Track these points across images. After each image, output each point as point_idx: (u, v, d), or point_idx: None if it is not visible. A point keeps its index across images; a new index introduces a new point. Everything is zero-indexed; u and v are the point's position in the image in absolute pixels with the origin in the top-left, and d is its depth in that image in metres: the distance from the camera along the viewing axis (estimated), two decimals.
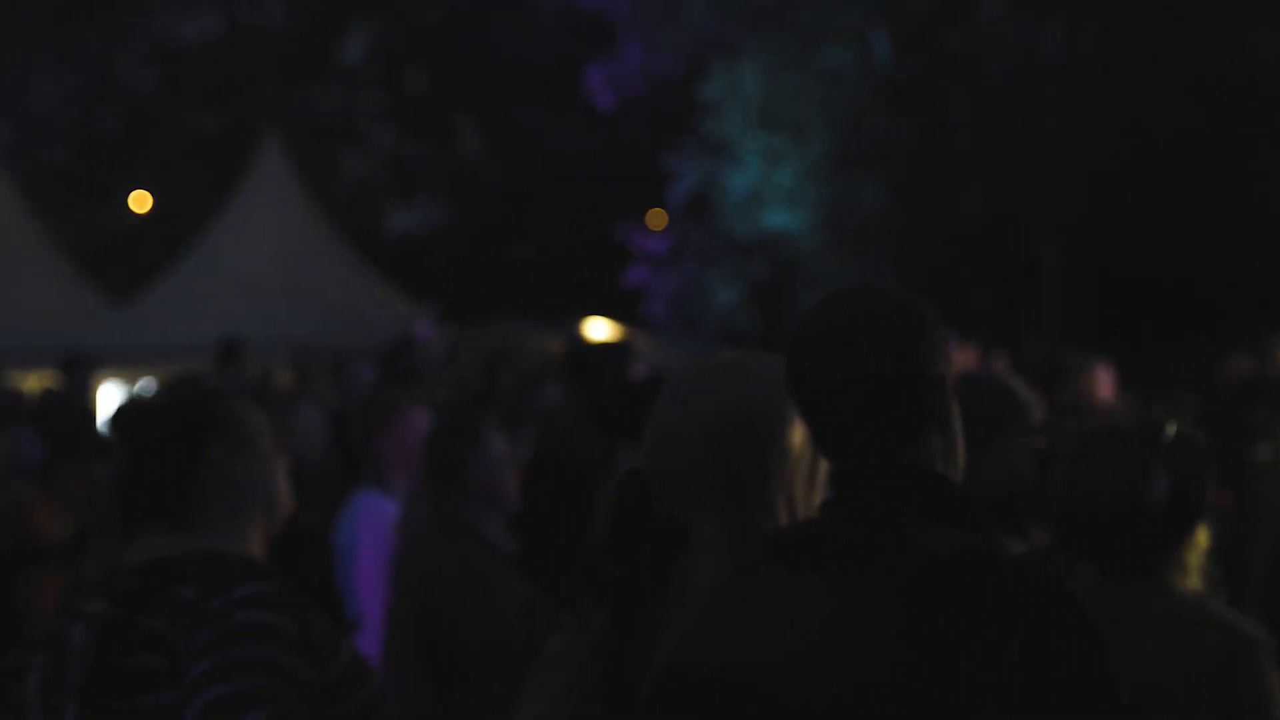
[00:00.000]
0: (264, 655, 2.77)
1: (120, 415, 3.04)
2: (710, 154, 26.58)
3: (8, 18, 34.49)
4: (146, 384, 18.73)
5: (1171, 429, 3.52)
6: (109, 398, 16.83)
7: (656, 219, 29.70)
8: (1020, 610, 2.01)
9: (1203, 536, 3.49)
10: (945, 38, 25.45)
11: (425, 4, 35.72)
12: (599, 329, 21.14)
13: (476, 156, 37.26)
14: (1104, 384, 9.42)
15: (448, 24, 35.51)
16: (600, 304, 25.94)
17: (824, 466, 2.43)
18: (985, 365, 11.28)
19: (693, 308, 27.36)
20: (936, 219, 25.63)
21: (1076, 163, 24.58)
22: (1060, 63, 25.15)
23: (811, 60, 25.37)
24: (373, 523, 5.50)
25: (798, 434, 2.42)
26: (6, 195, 22.77)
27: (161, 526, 3.01)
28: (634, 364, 6.69)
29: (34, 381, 14.37)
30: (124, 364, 17.30)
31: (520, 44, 34.25)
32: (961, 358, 10.62)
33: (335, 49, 37.37)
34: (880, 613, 2.04)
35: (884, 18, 25.26)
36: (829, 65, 25.32)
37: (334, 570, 5.58)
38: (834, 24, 25.24)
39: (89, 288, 23.33)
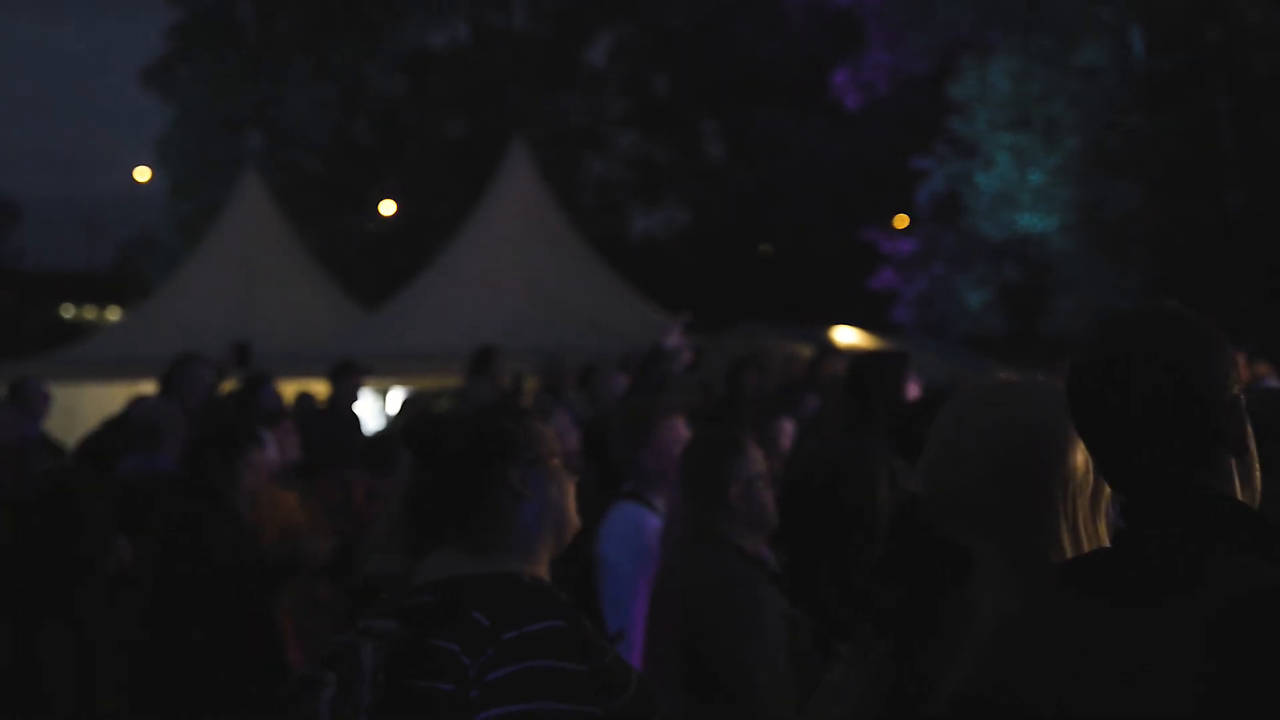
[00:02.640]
0: (549, 710, 2.76)
1: (416, 430, 2.98)
2: (959, 154, 26.22)
3: (264, 30, 35.57)
4: (398, 392, 19.06)
5: None
6: (360, 405, 17.11)
7: (901, 222, 29.42)
8: None
9: None
10: (1205, 31, 24.71)
11: (668, 7, 35.91)
12: (846, 335, 20.91)
13: (720, 160, 37.34)
14: None
15: (691, 27, 35.65)
16: (845, 308, 25.74)
17: (1107, 491, 2.34)
18: (1250, 374, 10.76)
19: (941, 311, 27.01)
20: (1197, 219, 24.88)
21: None
22: None
23: (1064, 57, 24.85)
24: (634, 536, 5.39)
25: (1080, 457, 2.31)
26: (265, 204, 23.41)
27: (454, 545, 2.98)
28: (910, 377, 6.46)
29: (291, 389, 14.67)
30: (373, 372, 17.57)
31: (764, 46, 34.21)
32: None
33: (580, 53, 37.82)
34: (1186, 647, 1.93)
35: (1140, 12, 24.63)
36: (1082, 62, 24.77)
37: (594, 583, 5.50)
38: (1088, 19, 24.70)
39: (342, 295, 23.86)
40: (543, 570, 3.04)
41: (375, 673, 2.81)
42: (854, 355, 7.85)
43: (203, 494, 6.09)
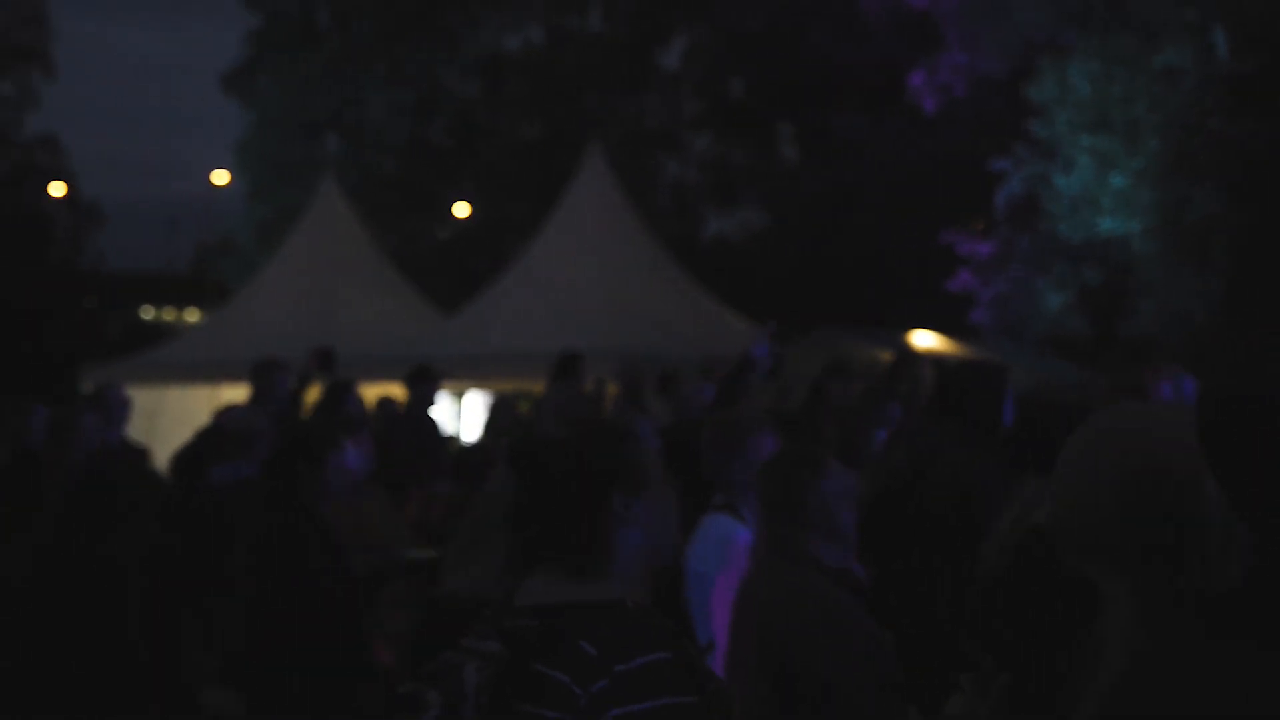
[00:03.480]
0: None
1: (521, 450, 2.96)
2: (1038, 156, 25.99)
3: (341, 36, 35.77)
4: (475, 395, 19.09)
5: None
6: (437, 410, 17.17)
7: (980, 224, 29.21)
8: None
9: None
10: None
11: (743, 10, 35.81)
12: (924, 338, 20.77)
13: (795, 162, 37.20)
14: None
15: (765, 29, 35.53)
16: (923, 311, 25.57)
17: (1240, 528, 2.22)
18: None
19: (1019, 314, 26.80)
20: None
21: None
22: None
23: (1146, 58, 24.58)
24: (725, 548, 5.37)
25: (1213, 493, 2.21)
26: (344, 208, 23.51)
27: (556, 568, 2.96)
28: (1009, 390, 6.30)
29: (371, 393, 14.70)
30: (451, 374, 17.60)
31: (840, 48, 34.05)
32: None
33: (654, 56, 37.82)
34: None
35: (1224, 12, 24.32)
36: (1164, 63, 24.50)
37: (682, 593, 5.48)
38: (1170, 20, 24.42)
39: (420, 299, 23.91)
40: (642, 594, 3.02)
41: (478, 693, 2.80)
42: (952, 366, 7.63)
43: (293, 504, 6.08)
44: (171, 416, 18.98)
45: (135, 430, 11.81)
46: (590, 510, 2.96)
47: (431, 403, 11.54)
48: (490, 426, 9.95)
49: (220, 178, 42.79)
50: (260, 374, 10.07)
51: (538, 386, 17.32)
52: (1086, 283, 26.30)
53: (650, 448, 3.08)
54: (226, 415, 7.89)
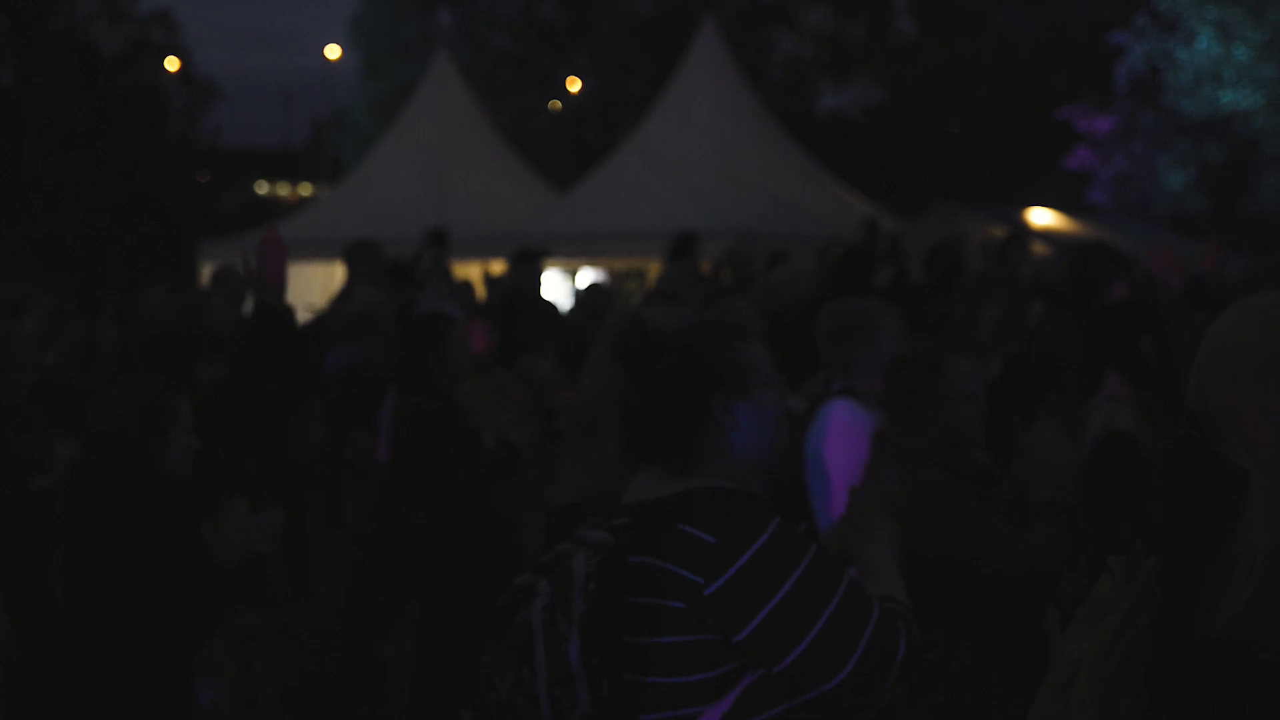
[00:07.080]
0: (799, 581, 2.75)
1: (628, 345, 2.91)
2: (1160, 29, 25.43)
3: None
4: (588, 272, 19.11)
5: None
6: (550, 286, 17.17)
7: (1094, 96, 28.71)
8: None
9: None
10: None
11: None
12: (1041, 216, 20.48)
13: (913, 36, 36.68)
14: None
15: None
16: (1040, 188, 25.23)
17: None
18: None
19: (1140, 191, 26.35)
20: None
21: None
22: None
23: None
24: (847, 433, 5.33)
25: None
26: (458, 85, 23.47)
27: (662, 466, 2.93)
28: (1116, 273, 6.16)
29: (480, 270, 14.73)
30: (564, 253, 17.60)
31: None
32: None
33: None
34: None
35: None
36: None
37: (804, 478, 5.46)
38: None
39: (533, 176, 23.89)
40: (754, 487, 2.98)
41: (586, 581, 2.81)
42: (1059, 249, 7.42)
43: (424, 389, 6.11)
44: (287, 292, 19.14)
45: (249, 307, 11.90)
46: (693, 414, 2.91)
47: (536, 283, 11.36)
48: (583, 311, 9.80)
49: (332, 52, 42.79)
50: (355, 255, 9.94)
51: (651, 265, 17.32)
52: (1208, 159, 25.81)
53: (762, 348, 3.02)
54: (346, 299, 7.92)
